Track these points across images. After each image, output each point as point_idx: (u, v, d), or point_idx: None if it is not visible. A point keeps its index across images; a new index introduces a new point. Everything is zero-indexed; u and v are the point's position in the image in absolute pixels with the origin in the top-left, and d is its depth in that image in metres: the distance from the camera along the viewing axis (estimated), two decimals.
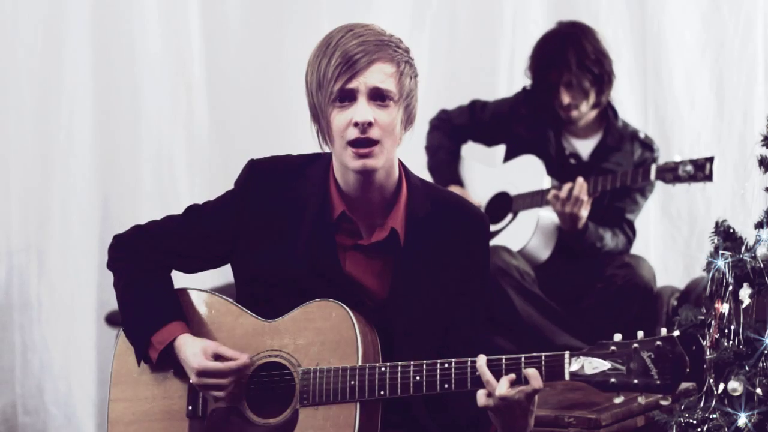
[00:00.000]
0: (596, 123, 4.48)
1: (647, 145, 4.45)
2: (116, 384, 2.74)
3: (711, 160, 4.11)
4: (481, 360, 2.47)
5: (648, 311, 4.31)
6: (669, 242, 4.86)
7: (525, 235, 4.38)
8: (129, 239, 2.77)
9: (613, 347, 2.42)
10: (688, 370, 2.37)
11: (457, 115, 4.62)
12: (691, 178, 4.15)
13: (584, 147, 4.48)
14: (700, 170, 4.13)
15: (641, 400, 2.45)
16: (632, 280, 4.27)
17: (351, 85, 2.53)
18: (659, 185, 4.81)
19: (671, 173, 4.18)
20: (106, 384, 2.75)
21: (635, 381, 2.39)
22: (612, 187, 4.28)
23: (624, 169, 4.36)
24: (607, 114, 4.47)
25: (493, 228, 4.47)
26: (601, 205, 4.36)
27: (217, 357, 2.61)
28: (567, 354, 2.44)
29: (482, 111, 4.59)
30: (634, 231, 4.47)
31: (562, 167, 4.42)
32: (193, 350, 2.62)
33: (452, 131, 4.61)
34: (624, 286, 4.27)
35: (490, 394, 2.45)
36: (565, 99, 4.36)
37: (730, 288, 2.88)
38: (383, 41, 2.55)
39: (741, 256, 2.89)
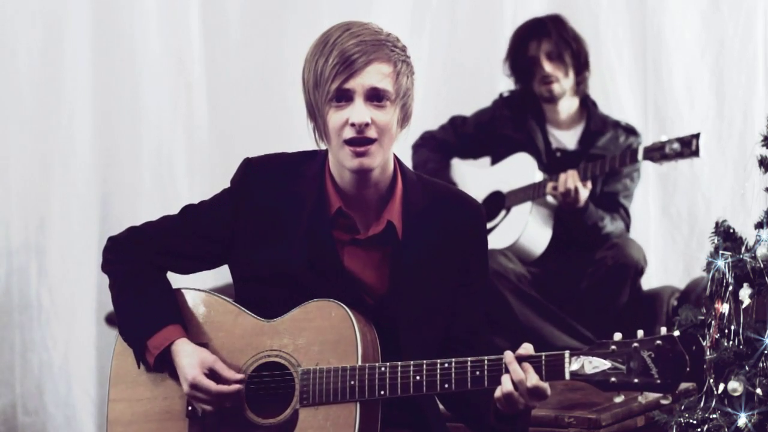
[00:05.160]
0: (578, 114, 4.55)
1: (630, 129, 4.54)
2: (115, 384, 2.73)
3: (697, 136, 4.16)
4: (526, 348, 2.47)
5: (643, 302, 4.35)
6: (669, 242, 4.86)
7: (519, 227, 4.41)
8: (124, 241, 2.76)
9: (613, 346, 2.41)
10: (688, 369, 2.37)
11: (440, 133, 4.67)
12: (678, 155, 4.19)
13: (569, 138, 4.54)
14: (687, 147, 4.17)
15: (641, 399, 2.45)
16: (621, 260, 4.33)
17: (348, 85, 2.53)
18: (658, 186, 4.83)
19: (658, 152, 4.22)
20: (106, 384, 2.75)
21: (635, 380, 2.39)
22: (602, 172, 4.33)
23: (611, 153, 4.41)
24: (587, 104, 4.54)
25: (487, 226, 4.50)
26: (595, 193, 4.40)
27: (213, 372, 2.61)
28: (567, 353, 2.44)
29: (464, 125, 4.66)
30: (629, 215, 4.51)
31: (551, 161, 4.47)
32: (190, 360, 2.61)
33: (437, 146, 4.66)
34: (614, 266, 4.32)
35: (516, 386, 2.45)
36: (547, 68, 4.42)
37: (730, 288, 2.88)
38: (380, 41, 2.55)
39: (741, 256, 2.89)
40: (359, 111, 2.53)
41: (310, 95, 2.58)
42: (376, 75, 2.53)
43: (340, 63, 2.52)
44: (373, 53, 2.53)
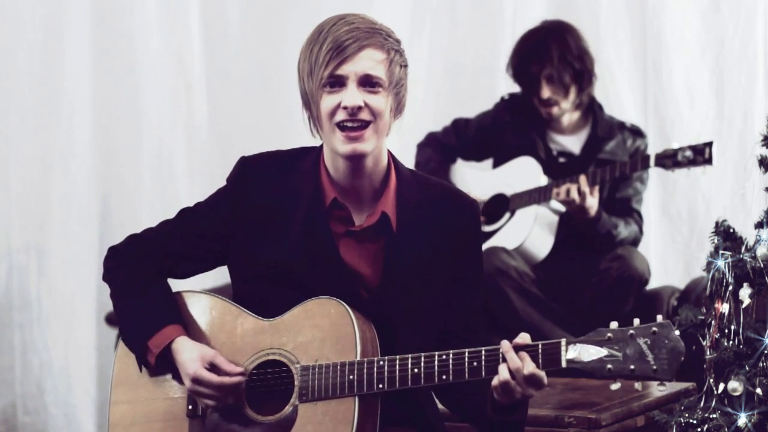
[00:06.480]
0: (583, 118, 4.52)
1: (636, 131, 4.51)
2: (117, 386, 2.74)
3: (710, 144, 4.15)
4: (523, 337, 2.48)
5: (643, 302, 4.34)
6: (669, 242, 4.86)
7: (523, 231, 4.40)
8: (123, 249, 2.77)
9: (609, 334, 2.42)
10: (682, 358, 2.36)
11: (443, 136, 4.67)
12: (691, 162, 4.17)
13: (574, 142, 4.52)
14: (700, 154, 4.16)
15: (638, 386, 2.44)
16: (626, 272, 4.31)
17: (341, 71, 2.55)
18: (658, 186, 4.82)
19: (670, 159, 4.21)
20: (106, 384, 2.75)
21: (632, 367, 2.39)
22: (611, 178, 4.31)
23: (619, 157, 4.39)
24: (592, 107, 4.51)
25: (490, 228, 4.49)
26: (606, 198, 4.38)
27: (214, 366, 2.61)
28: (564, 341, 2.44)
29: (466, 127, 4.64)
30: (642, 218, 4.50)
31: (553, 167, 4.45)
32: (190, 355, 2.62)
33: (441, 148, 4.65)
34: (618, 278, 4.30)
35: (513, 375, 2.44)
36: (545, 93, 4.40)
37: (730, 288, 2.89)
38: (374, 29, 2.58)
39: (741, 256, 2.89)
40: (352, 94, 2.55)
41: (305, 84, 2.61)
42: (368, 61, 2.56)
43: (333, 49, 2.54)
44: (366, 40, 2.56)
